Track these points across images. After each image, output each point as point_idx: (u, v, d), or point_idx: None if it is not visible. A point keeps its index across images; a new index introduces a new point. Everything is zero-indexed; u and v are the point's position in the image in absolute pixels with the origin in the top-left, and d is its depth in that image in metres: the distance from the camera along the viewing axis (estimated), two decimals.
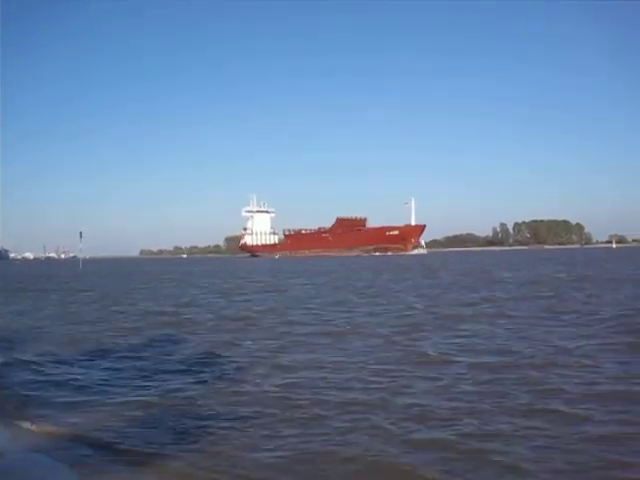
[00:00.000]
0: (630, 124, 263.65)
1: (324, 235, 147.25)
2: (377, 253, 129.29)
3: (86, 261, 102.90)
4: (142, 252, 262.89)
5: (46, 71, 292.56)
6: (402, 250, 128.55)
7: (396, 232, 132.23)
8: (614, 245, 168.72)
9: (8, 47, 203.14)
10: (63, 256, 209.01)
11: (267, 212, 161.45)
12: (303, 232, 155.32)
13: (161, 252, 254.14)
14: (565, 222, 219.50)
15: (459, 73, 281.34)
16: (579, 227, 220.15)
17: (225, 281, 35.71)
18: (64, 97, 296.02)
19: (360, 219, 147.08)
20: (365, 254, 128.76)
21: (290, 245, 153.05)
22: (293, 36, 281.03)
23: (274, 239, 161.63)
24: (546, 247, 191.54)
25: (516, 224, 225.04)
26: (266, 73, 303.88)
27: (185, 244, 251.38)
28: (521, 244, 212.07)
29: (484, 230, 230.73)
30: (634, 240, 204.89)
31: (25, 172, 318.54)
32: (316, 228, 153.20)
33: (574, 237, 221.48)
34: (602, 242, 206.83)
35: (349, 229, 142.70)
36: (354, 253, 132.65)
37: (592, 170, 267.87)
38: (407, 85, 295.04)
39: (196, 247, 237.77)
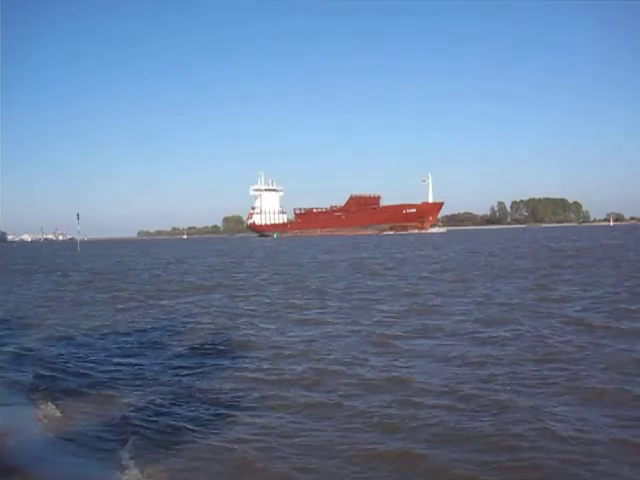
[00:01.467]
0: (629, 105, 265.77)
1: (337, 214, 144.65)
2: (392, 232, 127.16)
3: (84, 243, 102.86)
4: (140, 233, 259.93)
5: (45, 50, 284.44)
6: (419, 228, 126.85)
7: (413, 210, 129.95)
8: (612, 223, 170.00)
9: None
10: (61, 238, 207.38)
11: (275, 190, 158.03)
12: (315, 211, 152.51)
13: (159, 233, 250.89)
14: (563, 200, 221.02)
15: (458, 53, 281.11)
16: (577, 205, 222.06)
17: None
18: (63, 78, 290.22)
19: (374, 197, 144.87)
20: (381, 233, 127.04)
21: (301, 224, 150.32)
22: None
23: (283, 218, 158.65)
24: (544, 225, 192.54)
25: (514, 202, 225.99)
26: (270, 54, 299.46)
27: (183, 225, 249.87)
28: (519, 223, 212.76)
29: (481, 209, 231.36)
30: (632, 218, 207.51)
31: (23, 153, 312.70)
32: (328, 207, 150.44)
33: (572, 215, 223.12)
34: (600, 220, 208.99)
35: (363, 207, 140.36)
36: (369, 232, 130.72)
37: (591, 149, 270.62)
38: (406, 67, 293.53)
39: (194, 227, 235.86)
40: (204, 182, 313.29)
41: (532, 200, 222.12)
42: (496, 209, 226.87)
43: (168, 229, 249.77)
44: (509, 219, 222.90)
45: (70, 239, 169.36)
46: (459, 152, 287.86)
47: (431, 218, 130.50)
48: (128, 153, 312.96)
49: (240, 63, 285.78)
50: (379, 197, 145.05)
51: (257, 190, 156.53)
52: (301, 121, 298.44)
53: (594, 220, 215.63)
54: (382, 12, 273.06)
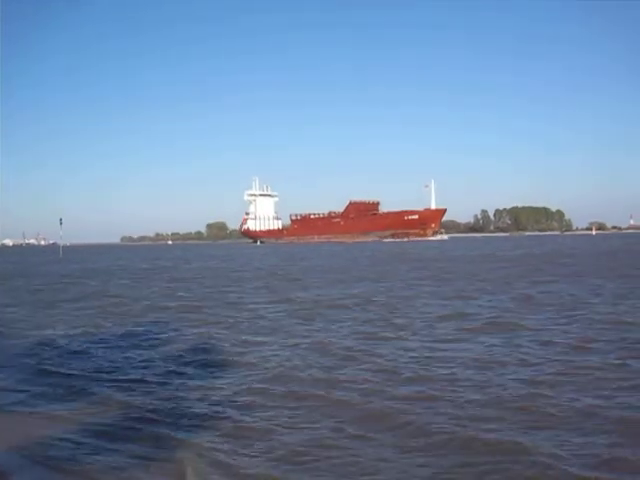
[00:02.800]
0: (612, 113, 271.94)
1: (335, 220, 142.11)
2: (401, 239, 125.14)
3: (66, 248, 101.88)
4: (123, 239, 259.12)
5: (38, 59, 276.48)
6: (421, 236, 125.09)
7: (415, 216, 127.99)
8: (594, 232, 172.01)
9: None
10: (43, 243, 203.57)
11: (270, 196, 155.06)
12: (312, 217, 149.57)
13: (142, 239, 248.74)
14: (545, 209, 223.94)
15: (432, 65, 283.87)
16: (559, 214, 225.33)
17: None
18: (50, 86, 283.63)
19: (373, 203, 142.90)
20: (382, 239, 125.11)
21: (297, 230, 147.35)
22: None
23: (278, 224, 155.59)
24: (527, 234, 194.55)
25: (497, 210, 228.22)
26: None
27: (166, 230, 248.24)
28: (502, 231, 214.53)
29: (463, 217, 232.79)
30: (613, 227, 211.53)
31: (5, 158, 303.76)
32: (326, 213, 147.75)
33: (554, 224, 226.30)
34: (582, 229, 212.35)
35: (363, 213, 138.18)
36: (369, 239, 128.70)
37: (574, 158, 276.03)
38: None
39: (178, 233, 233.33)
40: (189, 187, 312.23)
41: (515, 208, 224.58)
42: (479, 217, 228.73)
43: (151, 235, 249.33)
44: (492, 227, 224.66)
45: (52, 244, 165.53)
46: (442, 160, 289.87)
47: (433, 225, 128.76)
48: (113, 156, 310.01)
49: (235, 58, 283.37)
50: (378, 203, 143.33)
51: (251, 195, 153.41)
52: (296, 125, 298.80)
53: (576, 229, 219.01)
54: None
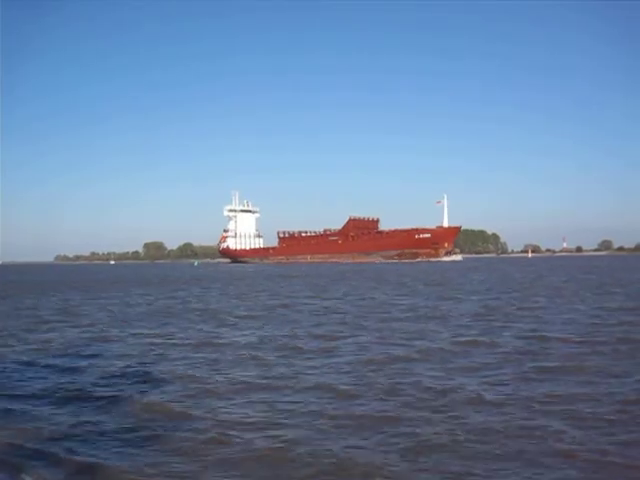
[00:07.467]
0: (549, 138, 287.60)
1: (332, 238, 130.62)
2: (408, 259, 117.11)
3: None
4: (57, 258, 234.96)
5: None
6: (433, 256, 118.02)
7: (427, 235, 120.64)
8: (530, 255, 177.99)
9: None
10: None
11: (251, 212, 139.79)
12: (303, 235, 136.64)
13: (77, 258, 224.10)
14: (482, 232, 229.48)
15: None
16: (495, 237, 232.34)
17: None
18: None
19: (373, 220, 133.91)
20: (387, 260, 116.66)
21: (286, 249, 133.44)
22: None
23: (259, 242, 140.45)
24: (466, 256, 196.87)
25: None
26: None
27: (102, 249, 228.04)
28: None
29: None
30: (547, 250, 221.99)
31: None
32: (321, 230, 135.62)
33: (490, 247, 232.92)
34: (517, 252, 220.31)
35: (364, 231, 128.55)
36: (373, 259, 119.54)
37: (510, 182, 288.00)
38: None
39: (114, 253, 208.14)
40: (126, 205, 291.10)
41: None
42: None
43: (87, 254, 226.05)
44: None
45: None
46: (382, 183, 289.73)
47: (446, 244, 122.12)
48: (51, 173, 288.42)
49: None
50: (378, 220, 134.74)
51: (231, 211, 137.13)
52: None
53: (512, 251, 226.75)
54: (381, 25, 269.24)
